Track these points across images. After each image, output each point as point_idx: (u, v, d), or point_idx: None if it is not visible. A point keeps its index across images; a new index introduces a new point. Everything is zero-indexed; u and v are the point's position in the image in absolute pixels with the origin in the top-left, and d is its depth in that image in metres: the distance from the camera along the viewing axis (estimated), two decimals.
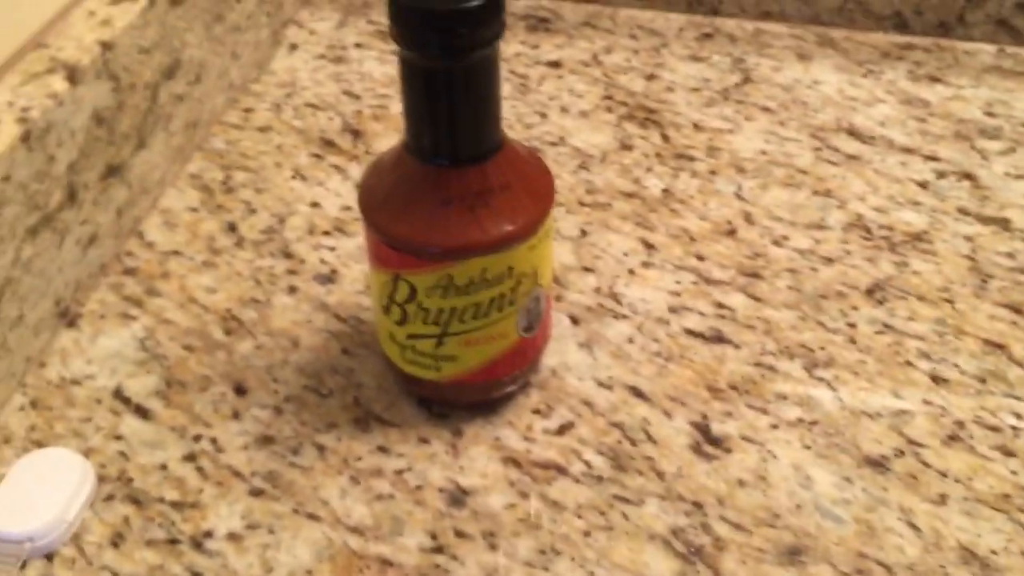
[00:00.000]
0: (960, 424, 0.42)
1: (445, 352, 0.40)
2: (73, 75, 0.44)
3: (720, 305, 0.47)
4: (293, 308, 0.47)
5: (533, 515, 0.39)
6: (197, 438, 0.41)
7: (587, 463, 0.41)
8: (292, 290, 0.48)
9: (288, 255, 0.50)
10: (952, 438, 0.41)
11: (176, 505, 0.39)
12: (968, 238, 0.51)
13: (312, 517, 0.39)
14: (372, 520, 0.39)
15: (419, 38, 0.34)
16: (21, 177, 0.41)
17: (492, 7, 0.34)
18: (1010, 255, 0.50)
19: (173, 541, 0.38)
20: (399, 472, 0.40)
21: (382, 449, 0.41)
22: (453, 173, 0.37)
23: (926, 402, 0.43)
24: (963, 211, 0.52)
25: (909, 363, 0.45)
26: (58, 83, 0.44)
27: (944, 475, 0.40)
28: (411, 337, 0.40)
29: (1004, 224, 0.51)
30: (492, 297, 0.38)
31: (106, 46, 0.46)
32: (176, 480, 0.40)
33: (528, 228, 0.38)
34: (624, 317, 0.47)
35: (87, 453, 0.41)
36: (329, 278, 0.49)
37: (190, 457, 0.41)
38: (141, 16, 0.49)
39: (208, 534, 0.38)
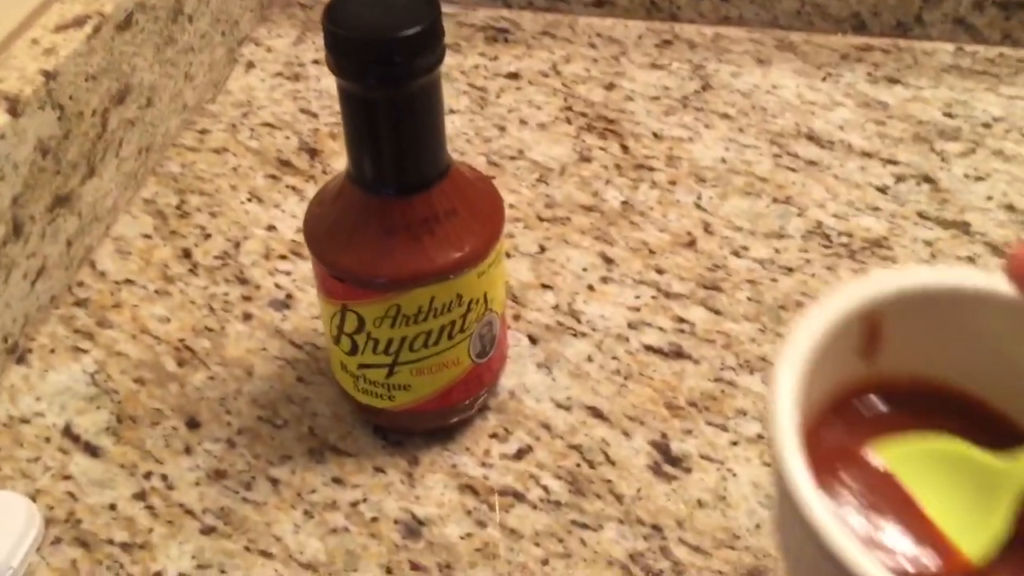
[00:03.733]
0: None
1: (397, 381, 0.39)
2: (15, 107, 0.44)
3: (680, 319, 0.47)
4: (248, 336, 0.46)
5: (497, 515, 0.38)
6: (147, 475, 0.41)
7: (545, 488, 0.40)
8: (247, 317, 0.47)
9: (243, 281, 0.49)
10: None
11: (125, 547, 0.38)
12: (928, 243, 0.50)
13: (264, 554, 0.38)
14: (326, 555, 0.38)
15: (356, 68, 0.34)
16: None
17: (431, 35, 0.33)
18: (970, 259, 0.50)
19: None
20: (354, 504, 0.40)
21: (337, 481, 0.41)
22: (397, 202, 0.36)
23: None
24: (923, 215, 0.52)
25: None
26: None
27: None
28: (362, 367, 0.39)
29: (964, 228, 0.51)
30: (442, 325, 0.38)
31: (49, 75, 0.46)
32: (126, 520, 0.39)
33: (476, 255, 0.37)
34: (583, 335, 0.46)
35: (35, 494, 0.40)
36: (285, 304, 0.48)
37: (140, 496, 0.40)
38: (86, 43, 0.48)
39: None
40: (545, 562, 0.38)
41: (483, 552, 0.38)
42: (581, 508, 0.40)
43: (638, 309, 0.48)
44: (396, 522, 0.39)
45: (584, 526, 0.39)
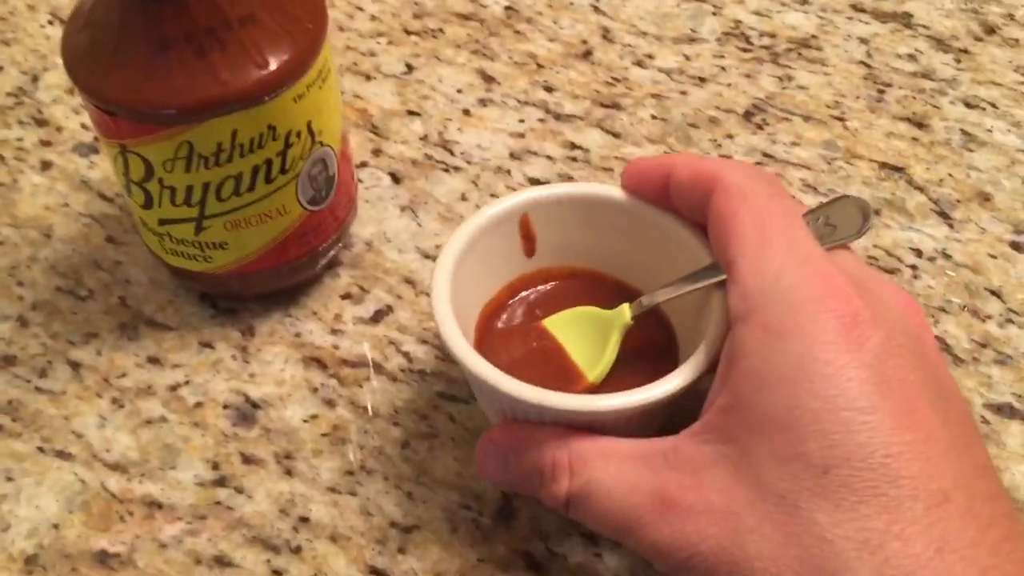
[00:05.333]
0: None
1: (210, 238, 0.31)
2: None
3: (572, 145, 0.40)
4: (46, 189, 0.38)
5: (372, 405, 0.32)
6: None
7: (407, 356, 0.34)
8: (45, 166, 0.39)
9: (41, 122, 0.40)
10: None
11: None
12: (863, 40, 0.43)
13: (62, 455, 0.31)
14: (138, 453, 0.31)
15: None
16: None
17: None
18: (911, 57, 0.42)
19: None
20: (174, 388, 0.33)
21: (153, 360, 0.33)
22: (169, 5, 0.27)
23: None
24: (857, 8, 0.44)
25: (792, 198, 0.38)
26: None
27: None
28: (164, 223, 0.31)
29: (905, 20, 0.44)
30: (255, 166, 0.30)
31: None
32: None
33: (288, 72, 0.29)
34: (456, 170, 0.39)
35: None
36: (92, 148, 0.40)
37: None
38: None
39: None
40: (405, 444, 0.32)
41: (331, 437, 0.32)
42: (450, 377, 0.33)
43: (522, 135, 0.40)
44: (226, 407, 0.32)
45: (453, 399, 0.33)
